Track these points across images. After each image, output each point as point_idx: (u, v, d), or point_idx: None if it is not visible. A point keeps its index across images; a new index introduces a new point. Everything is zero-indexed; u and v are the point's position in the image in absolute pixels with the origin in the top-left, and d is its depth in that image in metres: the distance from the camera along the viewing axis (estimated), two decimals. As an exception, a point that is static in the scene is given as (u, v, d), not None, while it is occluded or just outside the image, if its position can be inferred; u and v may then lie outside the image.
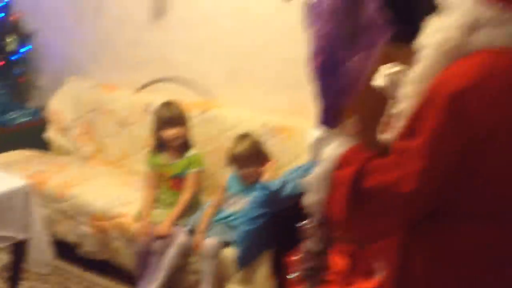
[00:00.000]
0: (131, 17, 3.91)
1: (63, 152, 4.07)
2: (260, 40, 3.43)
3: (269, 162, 3.02)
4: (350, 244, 2.71)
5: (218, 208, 3.04)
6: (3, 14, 4.20)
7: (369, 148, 1.50)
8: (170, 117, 3.12)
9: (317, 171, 1.51)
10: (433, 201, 1.41)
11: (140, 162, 3.68)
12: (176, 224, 3.00)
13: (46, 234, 2.83)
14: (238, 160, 2.96)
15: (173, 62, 3.80)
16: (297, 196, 2.68)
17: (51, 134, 4.13)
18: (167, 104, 3.22)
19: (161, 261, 2.94)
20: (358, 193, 1.41)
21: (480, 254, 1.47)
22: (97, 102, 3.99)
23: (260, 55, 3.45)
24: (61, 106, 4.13)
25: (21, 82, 4.39)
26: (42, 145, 4.13)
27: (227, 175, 3.16)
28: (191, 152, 3.17)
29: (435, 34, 1.42)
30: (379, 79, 1.69)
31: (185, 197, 3.09)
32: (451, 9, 1.44)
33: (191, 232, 2.96)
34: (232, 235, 2.84)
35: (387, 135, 1.68)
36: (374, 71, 1.55)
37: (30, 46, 4.30)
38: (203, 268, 2.84)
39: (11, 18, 4.23)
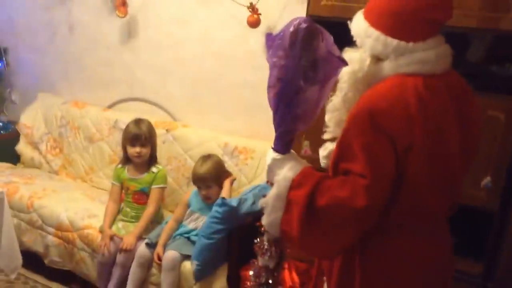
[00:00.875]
0: (103, 38, 4.03)
1: (33, 165, 4.16)
2: (223, 65, 3.56)
3: (227, 179, 3.08)
4: (301, 261, 2.86)
5: (178, 223, 3.10)
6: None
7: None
8: (136, 135, 3.19)
9: (272, 192, 1.65)
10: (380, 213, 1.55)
11: (107, 177, 3.81)
12: (141, 238, 3.08)
13: (16, 241, 2.87)
14: (201, 180, 3.02)
15: (141, 83, 3.94)
16: (254, 214, 2.83)
17: (22, 147, 4.23)
18: (137, 122, 3.28)
19: (125, 274, 3.03)
20: (313, 211, 1.54)
21: (411, 266, 1.63)
22: (67, 118, 4.09)
23: (222, 79, 3.59)
24: (32, 120, 4.22)
25: (-6, 96, 4.48)
26: (13, 158, 4.22)
27: (188, 191, 3.27)
28: (156, 168, 3.26)
29: (349, 65, 1.61)
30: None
31: (149, 211, 3.16)
32: (359, 43, 1.64)
33: (150, 245, 3.03)
34: (191, 249, 2.92)
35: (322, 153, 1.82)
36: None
37: (3, 62, 4.39)
38: (163, 280, 2.91)
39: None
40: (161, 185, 3.24)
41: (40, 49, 4.41)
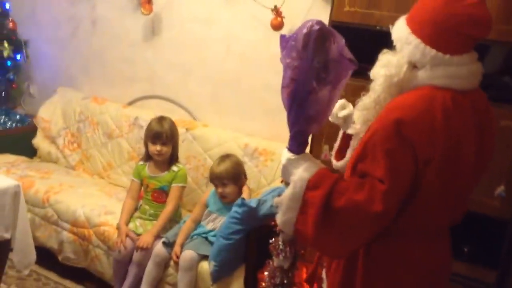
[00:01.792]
0: (126, 34, 4.03)
1: (50, 159, 4.15)
2: (245, 67, 3.55)
3: (244, 187, 3.08)
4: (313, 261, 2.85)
5: (196, 223, 3.09)
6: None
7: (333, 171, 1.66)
8: (158, 133, 3.18)
9: (287, 192, 1.66)
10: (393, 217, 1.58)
11: (125, 174, 3.80)
12: (159, 237, 3.06)
13: (30, 236, 2.86)
14: (217, 178, 3.02)
15: (162, 81, 3.94)
16: (273, 216, 2.81)
17: (39, 141, 4.23)
18: (160, 119, 3.27)
19: (141, 273, 3.01)
20: (328, 212, 1.56)
21: (412, 269, 1.66)
22: (85, 113, 4.08)
23: (244, 81, 3.57)
24: (50, 114, 4.22)
25: (13, 88, 4.47)
26: (29, 151, 4.21)
27: (206, 191, 3.26)
28: (177, 167, 3.24)
29: (384, 68, 1.64)
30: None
31: (167, 210, 3.14)
32: (399, 48, 1.66)
33: (167, 244, 3.01)
34: (209, 249, 2.91)
35: (338, 163, 1.86)
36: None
37: (24, 54, 4.39)
38: (180, 280, 2.90)
39: (8, 25, 4.32)
40: (181, 184, 3.22)
41: (62, 43, 4.41)
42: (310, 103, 1.63)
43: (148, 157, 3.27)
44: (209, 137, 3.53)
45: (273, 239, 1.88)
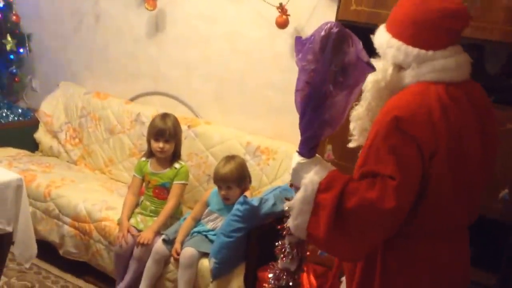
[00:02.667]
0: (130, 30, 4.03)
1: (51, 153, 4.15)
2: (249, 65, 3.55)
3: (248, 191, 3.08)
4: (319, 264, 2.86)
5: (196, 221, 3.09)
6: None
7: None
8: (161, 130, 3.17)
9: (299, 195, 1.65)
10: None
11: (126, 169, 3.81)
12: (159, 233, 3.07)
13: (32, 229, 2.86)
14: (222, 180, 3.00)
15: (165, 78, 3.93)
16: (274, 215, 2.82)
17: (41, 135, 4.23)
18: (163, 116, 3.26)
19: (141, 268, 3.01)
20: (341, 213, 1.56)
21: (431, 272, 1.65)
22: (88, 109, 4.08)
23: (247, 79, 3.57)
24: (52, 109, 4.22)
25: (15, 82, 4.47)
26: (31, 145, 4.21)
27: (208, 190, 3.26)
28: (179, 164, 3.23)
29: (370, 75, 1.66)
30: None
31: (168, 206, 3.15)
32: (382, 54, 1.70)
33: (167, 241, 3.01)
34: (209, 247, 2.91)
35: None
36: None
37: (27, 48, 4.39)
38: (180, 277, 2.90)
39: (12, 18, 4.32)
40: (183, 181, 3.22)
41: (65, 37, 4.40)
42: (326, 107, 1.61)
43: (150, 153, 3.27)
44: (212, 135, 3.53)
45: (279, 241, 1.87)
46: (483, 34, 2.26)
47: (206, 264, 2.89)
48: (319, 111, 1.62)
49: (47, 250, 3.35)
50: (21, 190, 2.75)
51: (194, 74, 3.80)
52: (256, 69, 3.53)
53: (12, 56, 4.37)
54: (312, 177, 1.63)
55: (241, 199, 2.88)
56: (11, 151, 4.06)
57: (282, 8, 3.21)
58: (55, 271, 3.39)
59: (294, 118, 1.70)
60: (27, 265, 2.93)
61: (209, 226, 3.04)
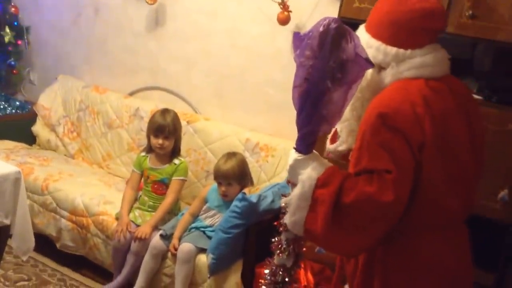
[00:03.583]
0: (129, 24, 4.01)
1: (49, 147, 4.14)
2: (249, 61, 3.54)
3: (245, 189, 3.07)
4: (316, 262, 2.87)
5: (194, 217, 3.09)
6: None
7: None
8: (160, 126, 3.16)
9: (296, 191, 1.65)
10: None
11: (124, 164, 3.80)
12: (156, 228, 3.07)
13: (30, 223, 2.86)
14: (223, 176, 2.99)
15: (165, 73, 3.92)
16: (273, 211, 2.82)
17: (38, 128, 4.21)
18: (163, 112, 3.25)
19: (138, 262, 3.01)
20: (339, 209, 1.56)
21: (431, 269, 1.65)
22: (86, 102, 4.07)
23: (247, 75, 3.56)
24: (50, 102, 4.20)
25: (13, 74, 4.45)
26: (29, 138, 4.20)
27: (206, 186, 3.26)
28: (178, 160, 3.22)
29: None
30: None
31: (167, 202, 3.14)
32: None
33: (164, 237, 3.01)
34: (207, 243, 2.91)
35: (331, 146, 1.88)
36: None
37: (25, 40, 4.37)
38: (177, 272, 2.90)
39: (11, 10, 4.29)
40: (182, 178, 3.22)
41: (63, 30, 4.38)
42: (323, 103, 1.61)
43: (150, 148, 3.26)
44: (211, 131, 3.53)
45: (276, 238, 1.87)
46: (487, 34, 2.27)
47: (203, 259, 2.89)
48: (317, 107, 1.62)
49: (44, 244, 3.34)
50: (19, 183, 2.74)
51: (193, 69, 3.79)
52: (257, 66, 3.52)
53: (10, 48, 4.35)
54: (310, 173, 1.63)
55: (239, 195, 2.88)
56: (8, 144, 4.04)
57: (284, 5, 3.20)
58: (52, 264, 3.38)
59: (293, 115, 1.69)
60: (25, 258, 2.92)
61: (207, 222, 3.04)
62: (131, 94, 4.05)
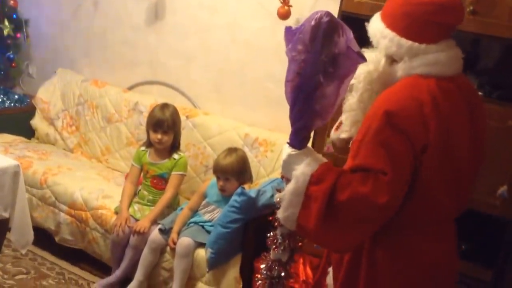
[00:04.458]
0: (129, 17, 3.99)
1: (48, 141, 4.13)
2: (249, 56, 3.53)
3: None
4: (315, 256, 2.87)
5: (193, 211, 3.09)
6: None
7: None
8: (160, 121, 3.15)
9: (289, 187, 1.64)
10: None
11: (123, 158, 3.79)
12: (155, 222, 3.07)
13: (29, 216, 2.86)
14: (221, 171, 2.99)
15: (164, 67, 3.90)
16: (271, 206, 2.82)
17: (37, 122, 4.20)
18: (163, 107, 3.23)
19: (137, 256, 3.02)
20: (332, 206, 1.56)
21: (417, 265, 1.66)
22: (85, 96, 4.06)
23: (247, 70, 3.55)
24: (49, 96, 4.19)
25: (12, 67, 4.43)
26: (27, 132, 4.19)
27: (206, 181, 3.26)
28: (178, 155, 3.22)
29: (363, 66, 1.65)
30: None
31: (166, 196, 3.14)
32: (375, 43, 1.69)
33: (163, 231, 3.01)
34: (206, 237, 2.92)
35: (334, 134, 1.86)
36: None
37: (24, 33, 4.35)
38: (176, 266, 2.91)
39: (10, 3, 4.27)
40: (181, 172, 3.21)
41: (62, 23, 4.36)
42: (316, 98, 1.59)
43: (149, 143, 3.25)
44: (210, 126, 3.52)
45: (271, 233, 1.87)
46: (488, 30, 2.26)
47: (202, 254, 2.90)
48: (310, 101, 1.60)
49: (43, 237, 3.34)
50: (18, 176, 2.75)
51: (193, 64, 3.78)
52: (256, 61, 3.50)
53: (9, 42, 4.33)
54: (304, 169, 1.62)
55: (239, 190, 2.88)
56: (7, 137, 4.04)
57: (284, -1, 3.19)
58: (51, 257, 3.39)
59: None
60: (24, 251, 2.93)
61: (206, 217, 3.04)
62: (130, 88, 4.04)
